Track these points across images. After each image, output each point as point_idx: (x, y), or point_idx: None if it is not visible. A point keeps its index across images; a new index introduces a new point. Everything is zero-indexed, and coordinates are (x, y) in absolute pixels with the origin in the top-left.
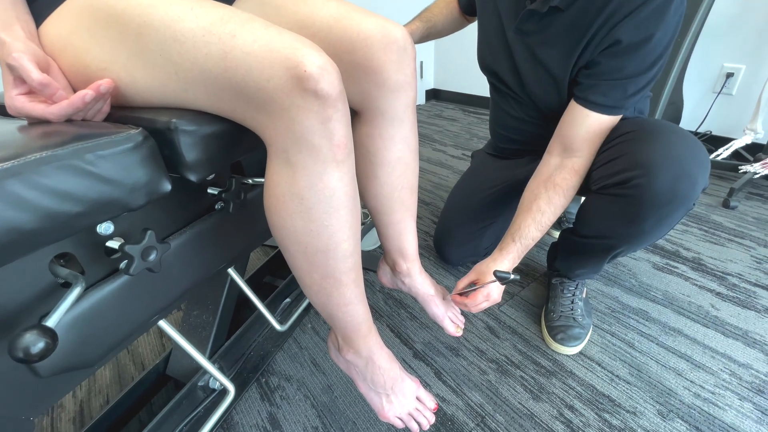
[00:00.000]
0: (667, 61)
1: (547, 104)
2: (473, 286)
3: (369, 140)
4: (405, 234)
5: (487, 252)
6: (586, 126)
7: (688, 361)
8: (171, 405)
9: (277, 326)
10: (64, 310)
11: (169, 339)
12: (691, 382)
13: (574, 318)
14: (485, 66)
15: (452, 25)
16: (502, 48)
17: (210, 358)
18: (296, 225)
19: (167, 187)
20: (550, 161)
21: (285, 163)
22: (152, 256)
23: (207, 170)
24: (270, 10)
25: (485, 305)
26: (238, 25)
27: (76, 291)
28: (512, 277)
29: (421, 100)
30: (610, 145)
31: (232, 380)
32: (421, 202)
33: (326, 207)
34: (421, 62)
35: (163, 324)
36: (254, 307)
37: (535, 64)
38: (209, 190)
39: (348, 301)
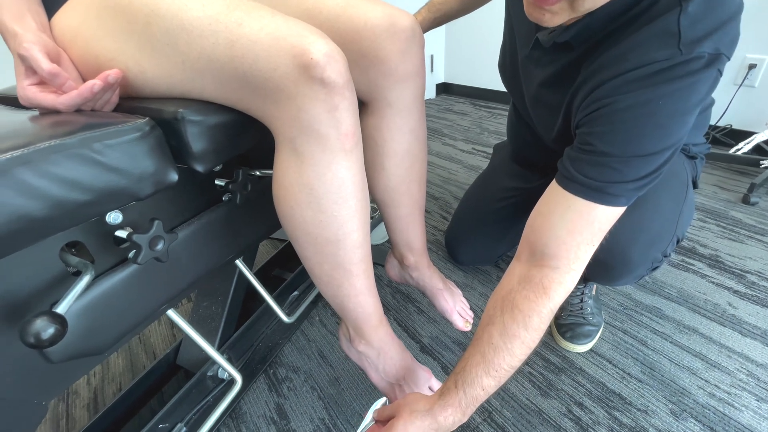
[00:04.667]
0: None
1: (551, 140)
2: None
3: (376, 131)
4: (413, 227)
5: (501, 259)
6: (566, 219)
7: (703, 360)
8: (181, 393)
9: (285, 318)
10: (73, 297)
11: (179, 329)
12: (705, 381)
13: (583, 316)
14: (502, 77)
15: (470, 5)
16: (514, 70)
17: (219, 348)
18: (305, 215)
19: (174, 177)
20: (515, 270)
21: (293, 153)
22: (160, 246)
23: (214, 161)
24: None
25: None
26: (245, 13)
27: (85, 279)
28: None
29: (432, 93)
30: None
31: (241, 371)
32: (431, 197)
33: (335, 197)
34: (432, 56)
35: (172, 314)
36: (263, 299)
37: (538, 100)
38: (217, 182)
39: (358, 291)
